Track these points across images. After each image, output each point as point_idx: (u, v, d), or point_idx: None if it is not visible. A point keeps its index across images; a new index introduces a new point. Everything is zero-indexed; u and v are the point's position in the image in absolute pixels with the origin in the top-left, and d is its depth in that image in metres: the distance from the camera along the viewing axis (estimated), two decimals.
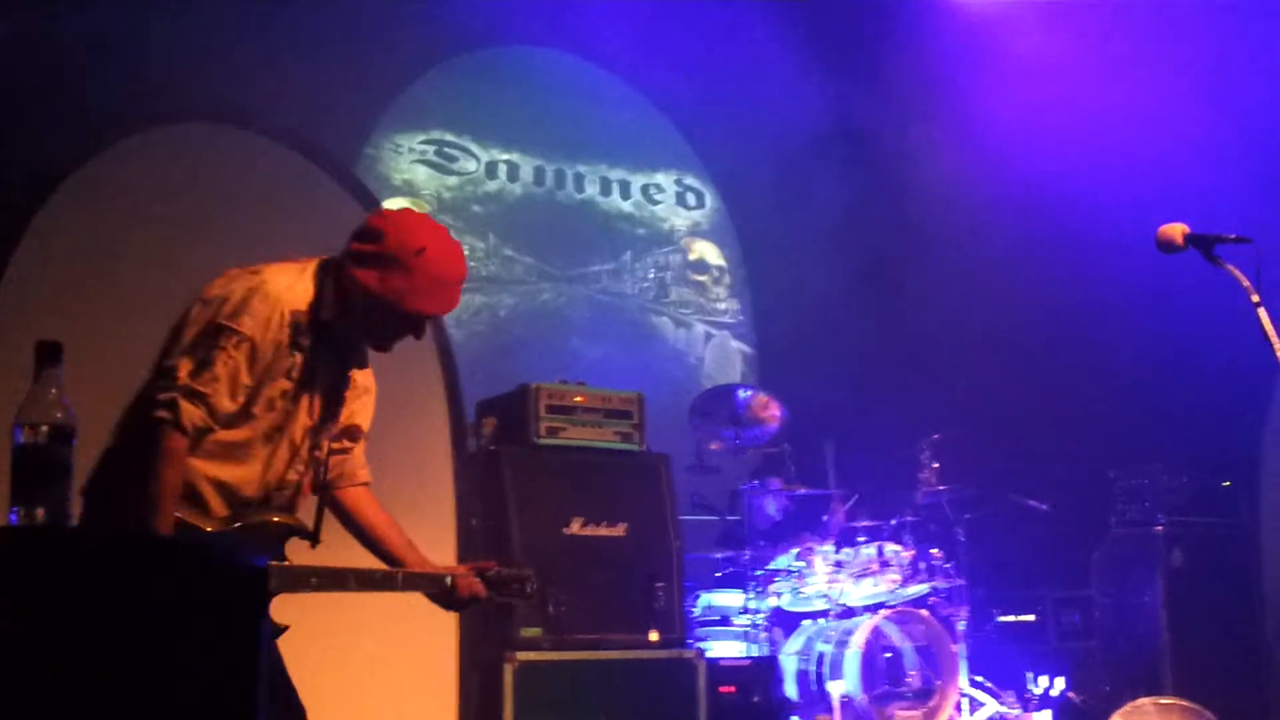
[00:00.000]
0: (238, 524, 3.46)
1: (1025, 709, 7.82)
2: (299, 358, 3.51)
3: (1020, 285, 8.80)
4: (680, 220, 9.11)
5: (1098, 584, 8.10)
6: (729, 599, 7.64)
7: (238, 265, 3.60)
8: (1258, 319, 3.61)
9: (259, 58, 6.96)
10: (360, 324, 3.60)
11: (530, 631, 6.02)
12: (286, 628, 3.42)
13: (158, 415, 3.32)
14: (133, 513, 3.25)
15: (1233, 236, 3.72)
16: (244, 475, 3.49)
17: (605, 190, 8.82)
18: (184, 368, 3.37)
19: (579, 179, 8.71)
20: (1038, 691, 7.92)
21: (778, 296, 8.89)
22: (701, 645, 7.16)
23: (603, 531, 6.31)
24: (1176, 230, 3.77)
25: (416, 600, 3.79)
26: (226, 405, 3.40)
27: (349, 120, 8.04)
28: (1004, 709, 7.76)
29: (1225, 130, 8.27)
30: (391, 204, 8.33)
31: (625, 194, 8.90)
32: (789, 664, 7.54)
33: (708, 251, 9.20)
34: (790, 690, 7.43)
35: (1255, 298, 3.62)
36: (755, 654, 7.40)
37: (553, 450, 6.31)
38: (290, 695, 3.51)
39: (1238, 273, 3.67)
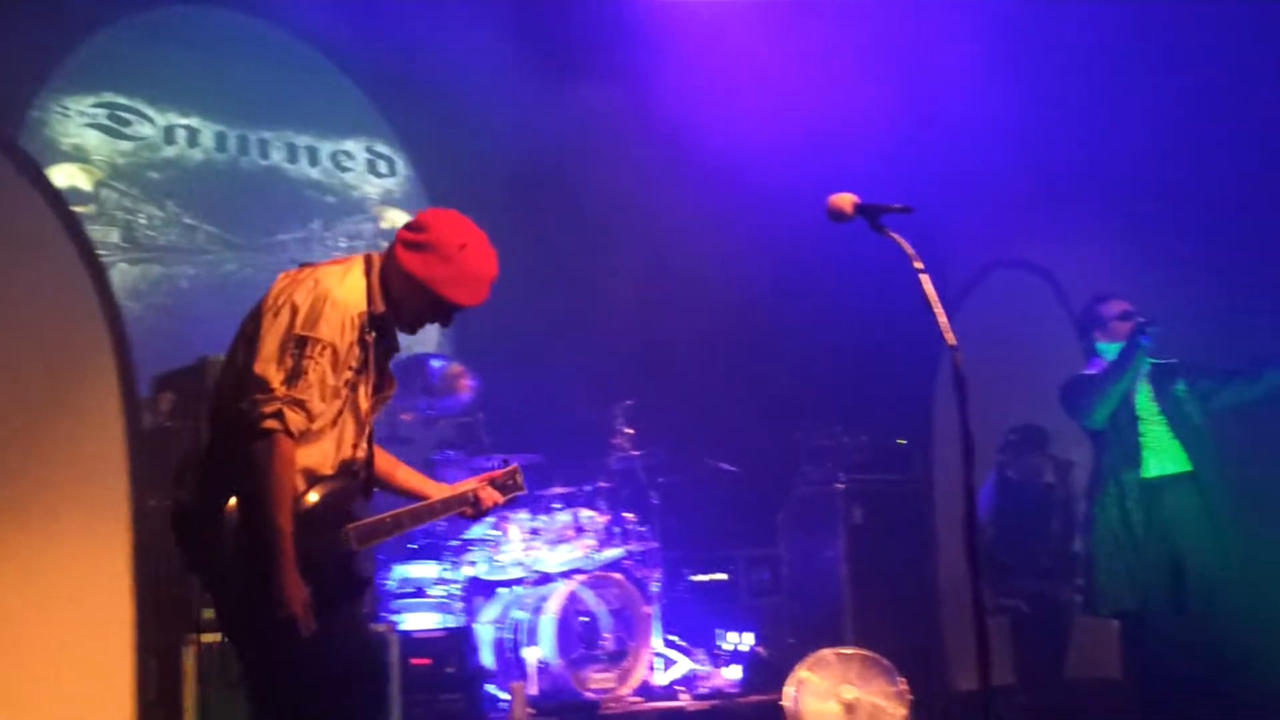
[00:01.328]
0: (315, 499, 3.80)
1: (716, 665, 8.05)
2: (360, 350, 3.87)
3: (709, 254, 9.00)
4: (371, 188, 8.93)
5: (784, 542, 8.37)
6: (424, 570, 7.57)
7: None
8: (920, 286, 3.76)
9: None
10: (396, 309, 3.96)
11: (213, 612, 5.82)
12: None
13: (267, 425, 3.65)
14: (258, 510, 3.61)
15: (897, 206, 3.86)
16: (320, 457, 3.81)
17: (292, 157, 8.56)
18: (277, 378, 3.69)
19: (264, 145, 8.43)
20: (728, 648, 8.16)
21: None
22: (396, 618, 7.10)
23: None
24: (846, 200, 3.89)
25: (90, 584, 3.69)
26: (319, 408, 3.76)
27: (9, 83, 7.58)
28: (696, 666, 7.96)
29: (893, 111, 8.68)
30: (60, 170, 7.90)
31: (313, 161, 8.66)
32: (485, 633, 7.53)
33: (400, 220, 9.04)
34: (487, 659, 7.43)
35: (918, 265, 3.78)
36: (451, 625, 7.37)
37: None
38: None
39: (903, 241, 3.81)
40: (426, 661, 6.80)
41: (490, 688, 7.27)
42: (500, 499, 4.33)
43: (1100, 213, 9.35)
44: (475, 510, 4.29)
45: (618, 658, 7.51)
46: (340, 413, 3.87)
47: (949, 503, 8.53)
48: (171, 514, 3.84)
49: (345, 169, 8.82)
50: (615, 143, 8.54)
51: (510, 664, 7.38)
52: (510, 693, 6.94)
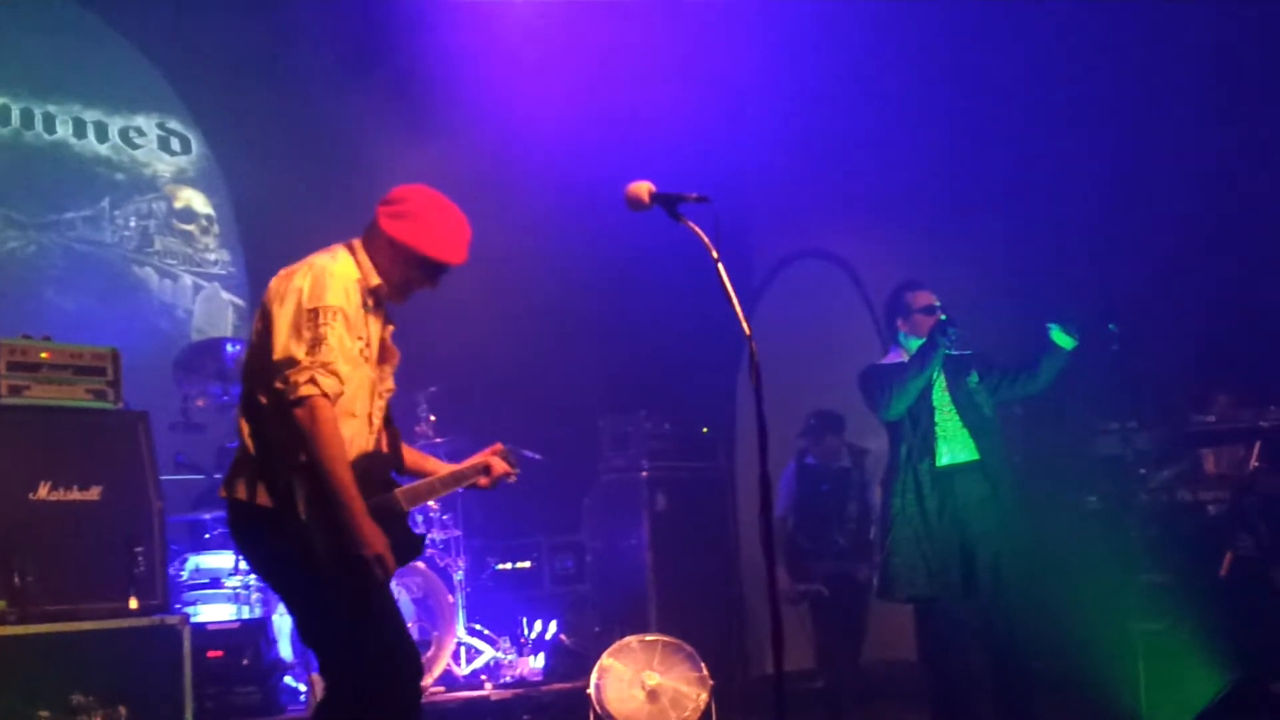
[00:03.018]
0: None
1: (520, 653, 8.02)
2: (365, 317, 4.12)
3: (514, 242, 8.95)
4: (164, 166, 8.62)
5: (588, 529, 8.40)
6: (219, 560, 7.37)
7: None
8: (718, 275, 3.78)
9: None
10: (388, 279, 4.19)
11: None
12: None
13: (303, 394, 3.86)
14: (321, 472, 3.86)
15: (694, 196, 3.87)
16: (357, 429, 4.07)
17: (80, 132, 8.22)
18: (300, 351, 3.90)
19: (49, 119, 8.07)
20: (532, 636, 8.14)
21: (270, 247, 8.61)
22: (189, 610, 6.90)
23: (74, 496, 5.91)
24: (643, 188, 3.89)
25: None
26: (346, 369, 3.97)
27: None
28: (500, 655, 7.93)
29: (698, 103, 8.80)
30: None
31: (102, 136, 8.32)
32: (284, 624, 7.37)
33: (195, 200, 8.77)
34: (285, 650, 7.27)
35: (714, 254, 3.79)
36: (247, 616, 7.19)
37: (16, 410, 5.85)
38: None
39: (699, 230, 3.83)
40: (220, 654, 6.65)
41: (288, 680, 7.12)
42: (509, 470, 4.56)
43: (900, 209, 9.58)
44: (489, 479, 4.52)
45: (420, 648, 7.43)
46: (361, 385, 4.10)
47: (750, 490, 8.66)
48: (229, 519, 4.16)
49: (136, 145, 8.50)
50: (412, 128, 8.42)
51: (309, 655, 7.23)
52: (309, 684, 6.81)
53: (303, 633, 4.22)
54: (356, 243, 4.22)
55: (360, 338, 4.10)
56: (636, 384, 8.50)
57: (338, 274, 4.06)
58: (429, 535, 7.82)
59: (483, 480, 4.53)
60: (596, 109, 8.70)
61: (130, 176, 8.48)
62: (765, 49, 9.02)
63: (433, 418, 8.05)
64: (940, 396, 6.10)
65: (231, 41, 8.41)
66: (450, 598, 7.62)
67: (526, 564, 8.66)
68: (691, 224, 3.82)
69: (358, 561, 3.91)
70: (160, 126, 8.62)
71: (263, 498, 4.00)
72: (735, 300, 3.74)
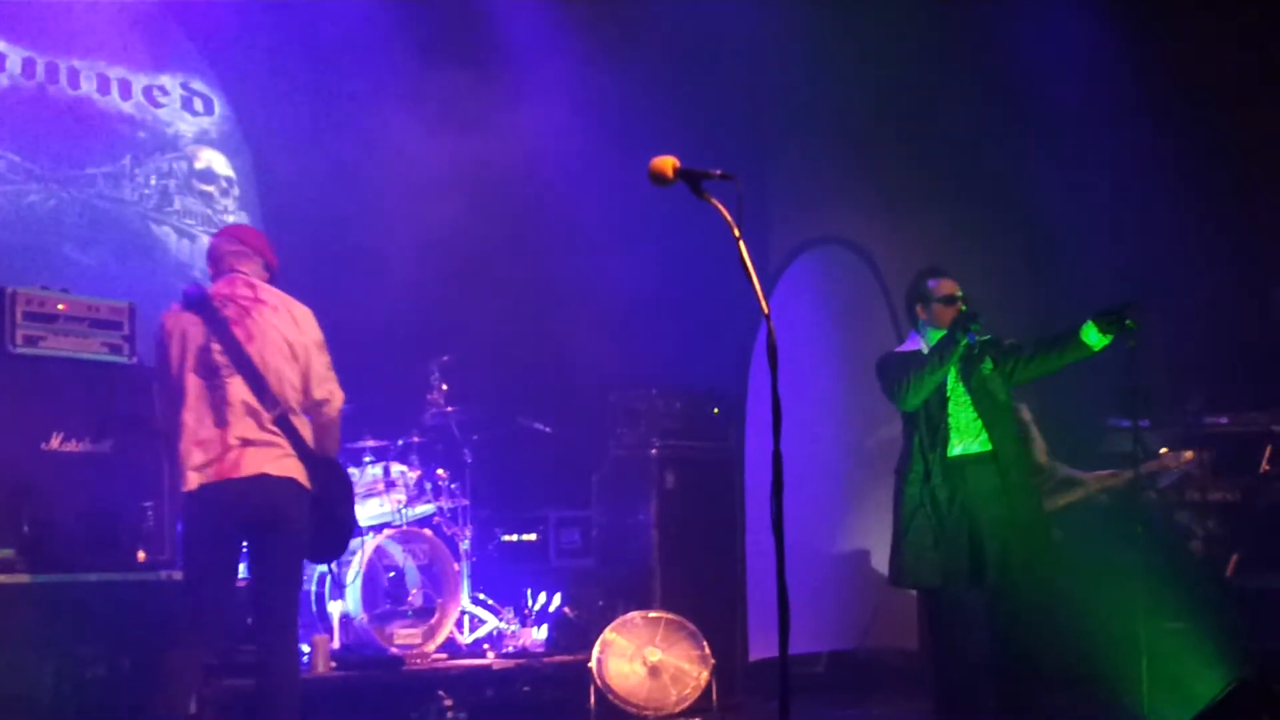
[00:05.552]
0: None
1: (524, 625, 8.05)
2: None
3: (534, 215, 8.96)
4: (186, 126, 8.60)
5: (596, 505, 8.39)
6: None
7: None
8: (739, 253, 3.76)
9: None
10: None
11: (1, 553, 5.62)
12: None
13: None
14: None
15: (718, 173, 3.84)
16: None
17: (103, 88, 8.21)
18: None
19: (74, 74, 8.07)
20: (536, 608, 8.17)
21: (289, 212, 8.61)
22: None
23: (86, 448, 5.94)
24: (667, 163, 3.86)
25: None
26: None
27: None
28: (503, 625, 7.96)
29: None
30: None
31: (125, 94, 8.32)
32: None
33: (215, 161, 8.74)
34: None
35: (736, 232, 3.77)
36: None
37: (31, 361, 5.87)
38: None
39: (722, 208, 3.81)
40: None
41: None
42: None
43: (922, 196, 9.58)
44: None
45: (425, 614, 7.48)
46: None
47: (757, 471, 8.66)
48: None
49: (159, 104, 8.49)
50: (435, 99, 8.41)
51: (314, 617, 7.28)
52: (312, 646, 6.84)
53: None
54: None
55: None
56: (648, 361, 8.49)
57: None
58: (437, 503, 7.84)
59: None
60: (614, 87, 8.72)
61: (152, 135, 8.47)
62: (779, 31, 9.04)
63: (445, 387, 8.05)
64: (954, 386, 6.05)
65: (257, 3, 8.40)
66: (455, 566, 7.64)
67: (532, 536, 8.67)
68: (714, 201, 3.80)
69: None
70: (184, 86, 8.60)
71: None
72: (755, 278, 3.73)
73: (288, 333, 5.23)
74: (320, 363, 5.32)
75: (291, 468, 5.15)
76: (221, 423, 5.06)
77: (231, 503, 5.05)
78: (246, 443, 5.07)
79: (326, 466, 5.35)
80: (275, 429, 5.12)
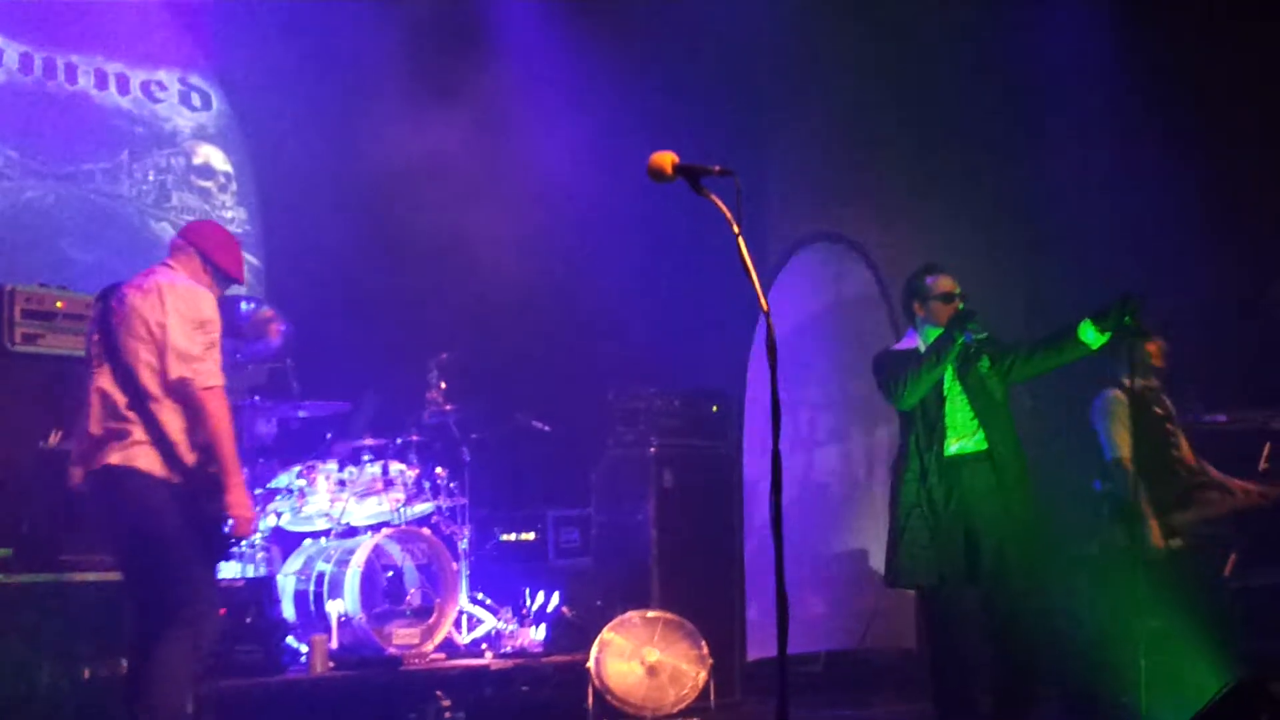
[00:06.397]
0: None
1: (521, 624, 8.03)
2: None
3: (531, 213, 8.95)
4: (184, 121, 8.60)
5: (595, 504, 8.36)
6: None
7: None
8: (738, 250, 3.74)
9: None
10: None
11: (0, 553, 5.62)
12: None
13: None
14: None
15: (717, 169, 3.83)
16: None
17: (101, 83, 8.20)
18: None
19: (71, 69, 8.06)
20: (534, 607, 8.15)
21: (287, 207, 8.60)
22: None
23: None
24: (666, 159, 3.84)
25: None
26: None
27: None
28: (501, 624, 7.94)
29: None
30: None
31: (123, 89, 8.31)
32: (288, 584, 7.40)
33: (213, 156, 8.74)
34: (288, 611, 7.30)
35: (736, 229, 3.76)
36: (251, 575, 7.21)
37: (29, 358, 5.87)
38: None
39: (721, 204, 3.79)
40: (223, 611, 6.63)
41: (290, 640, 7.14)
42: None
43: (921, 193, 9.57)
44: None
45: (423, 614, 7.46)
46: None
47: (757, 470, 8.66)
48: None
49: (157, 100, 8.48)
50: (435, 93, 8.40)
51: (312, 617, 7.26)
52: (310, 646, 6.83)
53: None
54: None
55: None
56: (647, 359, 8.48)
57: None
58: (436, 502, 7.83)
59: None
60: (612, 85, 8.71)
61: (150, 130, 8.46)
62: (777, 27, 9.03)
63: (443, 385, 8.04)
64: (950, 384, 6.03)
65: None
66: (454, 565, 7.63)
67: (531, 535, 8.66)
68: (714, 197, 3.79)
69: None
70: (182, 81, 8.60)
71: None
72: (754, 276, 3.71)
73: (148, 313, 4.97)
74: (181, 341, 4.96)
75: (137, 456, 4.89)
76: (87, 414, 4.99)
77: (95, 496, 4.96)
78: (103, 434, 4.93)
79: (205, 454, 5.00)
80: (129, 416, 4.91)
